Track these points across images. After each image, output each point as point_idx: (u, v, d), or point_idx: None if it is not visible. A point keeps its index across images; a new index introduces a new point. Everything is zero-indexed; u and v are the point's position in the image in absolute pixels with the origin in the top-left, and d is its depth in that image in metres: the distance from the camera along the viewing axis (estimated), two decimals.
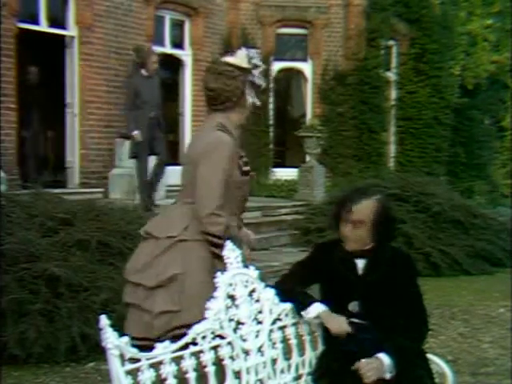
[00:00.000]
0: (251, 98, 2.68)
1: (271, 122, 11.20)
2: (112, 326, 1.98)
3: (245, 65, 2.64)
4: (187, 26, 10.55)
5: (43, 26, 8.39)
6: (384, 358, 2.32)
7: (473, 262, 7.72)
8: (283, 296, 2.49)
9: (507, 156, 13.59)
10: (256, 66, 2.67)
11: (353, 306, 2.46)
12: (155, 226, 2.61)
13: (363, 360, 2.30)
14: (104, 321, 1.97)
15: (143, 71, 7.87)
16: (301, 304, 2.47)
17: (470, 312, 5.74)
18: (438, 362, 2.60)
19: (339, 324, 2.40)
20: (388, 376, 2.32)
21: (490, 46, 12.99)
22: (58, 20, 8.66)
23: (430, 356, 2.59)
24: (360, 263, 2.52)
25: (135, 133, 7.50)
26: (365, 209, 2.47)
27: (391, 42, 11.85)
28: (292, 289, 2.51)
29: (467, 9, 12.82)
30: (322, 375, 2.45)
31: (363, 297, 2.47)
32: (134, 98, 7.62)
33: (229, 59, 2.65)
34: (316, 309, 2.44)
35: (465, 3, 12.81)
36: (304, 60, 11.58)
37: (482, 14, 13.01)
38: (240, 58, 2.64)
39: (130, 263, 2.63)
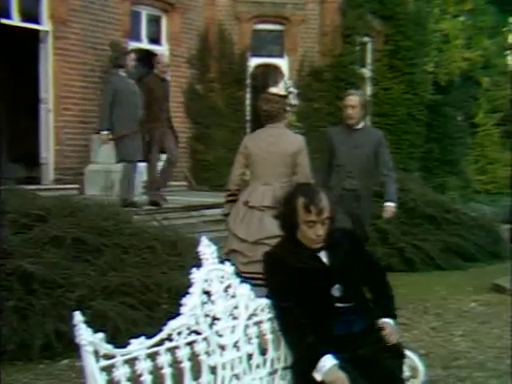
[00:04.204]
0: (290, 112, 4.18)
1: (248, 117, 11.21)
2: (87, 322, 1.97)
3: (283, 93, 4.04)
4: (164, 22, 10.49)
5: (15, 21, 8.28)
6: (391, 322, 2.59)
7: (446, 257, 7.83)
8: (291, 335, 2.46)
9: (479, 152, 13.79)
10: (290, 92, 4.08)
11: (336, 290, 2.51)
12: (272, 200, 3.65)
13: (385, 320, 2.55)
14: (78, 317, 1.96)
15: None
16: (308, 357, 2.38)
17: (442, 306, 5.82)
18: (410, 356, 2.65)
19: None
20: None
21: (463, 43, 13.16)
22: (31, 14, 8.54)
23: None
24: (320, 254, 2.57)
25: None
26: (326, 203, 2.52)
27: (366, 39, 11.92)
28: (303, 334, 2.41)
29: (440, 6, 12.97)
30: (313, 364, 2.38)
31: (340, 282, 2.52)
32: None
33: (273, 90, 4.05)
34: (324, 367, 2.33)
35: (438, 1, 12.95)
36: (280, 56, 11.61)
37: (454, 12, 13.17)
38: (280, 88, 4.05)
39: (266, 226, 3.74)
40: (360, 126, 5.28)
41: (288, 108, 4.11)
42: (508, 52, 14.88)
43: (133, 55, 7.29)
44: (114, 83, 7.05)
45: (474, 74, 13.53)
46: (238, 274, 3.24)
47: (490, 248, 8.37)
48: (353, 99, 5.23)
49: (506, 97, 13.92)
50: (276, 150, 3.99)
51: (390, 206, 5.35)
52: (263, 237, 3.79)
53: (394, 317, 2.64)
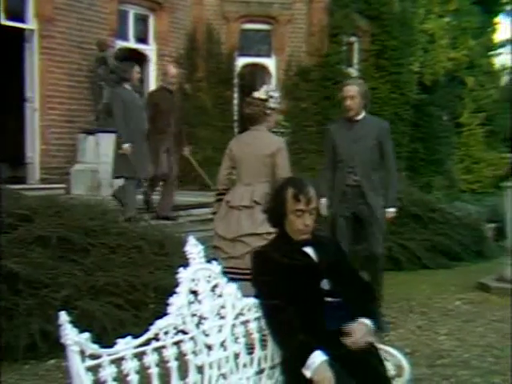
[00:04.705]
0: (273, 115, 4.26)
1: (236, 117, 11.21)
2: (73, 322, 1.97)
3: (263, 96, 4.20)
4: (151, 21, 10.47)
5: (0, 19, 8.21)
6: (367, 322, 2.52)
7: (431, 256, 7.89)
8: (280, 334, 2.45)
9: (464, 151, 13.89)
10: (271, 97, 4.22)
11: (325, 284, 2.54)
12: (249, 201, 4.07)
13: (361, 320, 2.50)
14: (63, 317, 1.95)
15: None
16: (299, 354, 2.37)
17: (427, 305, 5.86)
18: (395, 355, 2.67)
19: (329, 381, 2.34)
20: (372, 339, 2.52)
21: (448, 43, 13.25)
22: (16, 13, 8.48)
23: (387, 349, 2.67)
24: (308, 250, 2.60)
25: None
26: (314, 194, 2.60)
27: (353, 39, 11.97)
28: (292, 331, 2.41)
29: (425, 6, 13.04)
30: (304, 362, 2.36)
31: (328, 277, 2.55)
32: None
33: (255, 94, 4.23)
34: (313, 364, 2.33)
35: (423, 1, 13.02)
36: (268, 56, 11.63)
37: (439, 12, 13.26)
38: (260, 92, 4.22)
39: (242, 224, 4.02)
40: (360, 116, 4.90)
41: (268, 111, 4.23)
42: (492, 52, 15.01)
43: (137, 68, 7.14)
44: (121, 95, 6.85)
45: (459, 73, 13.62)
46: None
47: (474, 247, 8.44)
48: (351, 89, 4.85)
49: (490, 97, 14.04)
50: (256, 152, 4.19)
51: (391, 212, 5.11)
52: (240, 234, 4.05)
53: (372, 318, 2.57)
